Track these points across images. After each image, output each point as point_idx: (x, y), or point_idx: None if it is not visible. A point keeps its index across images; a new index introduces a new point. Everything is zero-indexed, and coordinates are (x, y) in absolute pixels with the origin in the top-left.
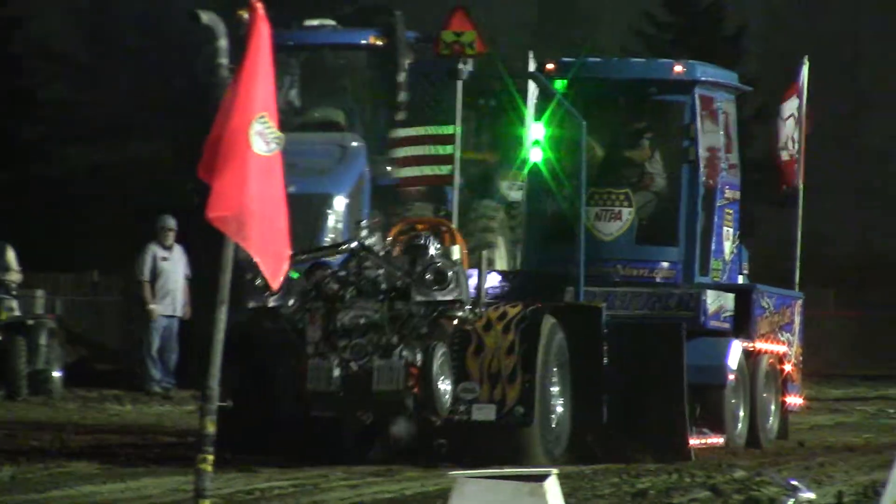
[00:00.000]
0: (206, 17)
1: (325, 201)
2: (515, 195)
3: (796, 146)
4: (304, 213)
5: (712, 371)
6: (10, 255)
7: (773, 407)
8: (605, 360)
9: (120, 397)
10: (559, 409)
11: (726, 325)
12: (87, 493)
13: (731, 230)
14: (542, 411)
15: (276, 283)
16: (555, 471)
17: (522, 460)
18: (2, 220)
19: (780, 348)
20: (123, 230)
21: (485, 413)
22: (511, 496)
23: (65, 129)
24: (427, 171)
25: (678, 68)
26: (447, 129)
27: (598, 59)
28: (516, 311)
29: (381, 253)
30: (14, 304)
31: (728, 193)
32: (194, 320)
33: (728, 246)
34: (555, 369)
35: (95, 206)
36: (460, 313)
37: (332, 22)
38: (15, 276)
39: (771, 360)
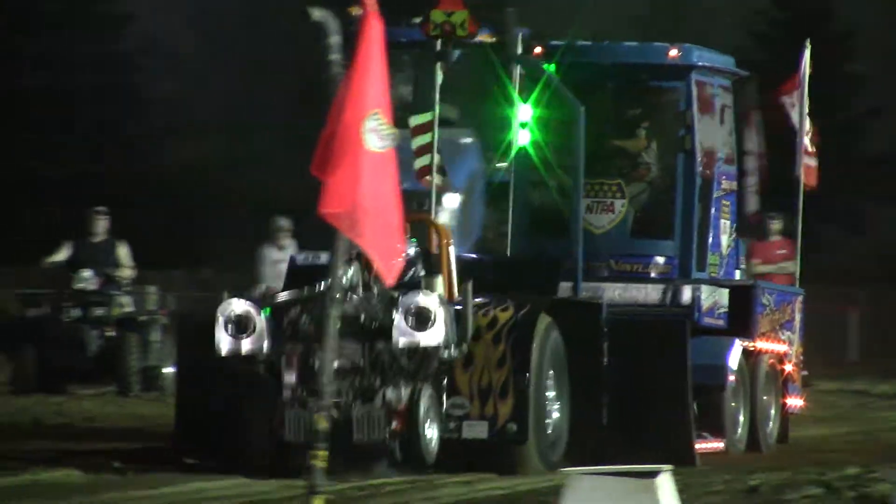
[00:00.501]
0: (317, 13)
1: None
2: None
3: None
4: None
5: (712, 371)
6: (123, 252)
7: (773, 410)
8: (605, 360)
9: None
10: (555, 415)
11: (720, 322)
12: (196, 490)
13: (727, 223)
14: (537, 423)
15: (390, 279)
16: (668, 467)
17: (517, 473)
18: (116, 216)
19: (781, 347)
20: (236, 226)
21: (476, 431)
22: (624, 492)
23: (174, 125)
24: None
25: (673, 52)
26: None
27: (588, 43)
28: (507, 315)
29: (359, 288)
30: (126, 300)
31: (725, 184)
32: None
33: (725, 240)
34: (551, 373)
35: (209, 203)
36: (445, 354)
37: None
38: (127, 273)
39: (771, 360)
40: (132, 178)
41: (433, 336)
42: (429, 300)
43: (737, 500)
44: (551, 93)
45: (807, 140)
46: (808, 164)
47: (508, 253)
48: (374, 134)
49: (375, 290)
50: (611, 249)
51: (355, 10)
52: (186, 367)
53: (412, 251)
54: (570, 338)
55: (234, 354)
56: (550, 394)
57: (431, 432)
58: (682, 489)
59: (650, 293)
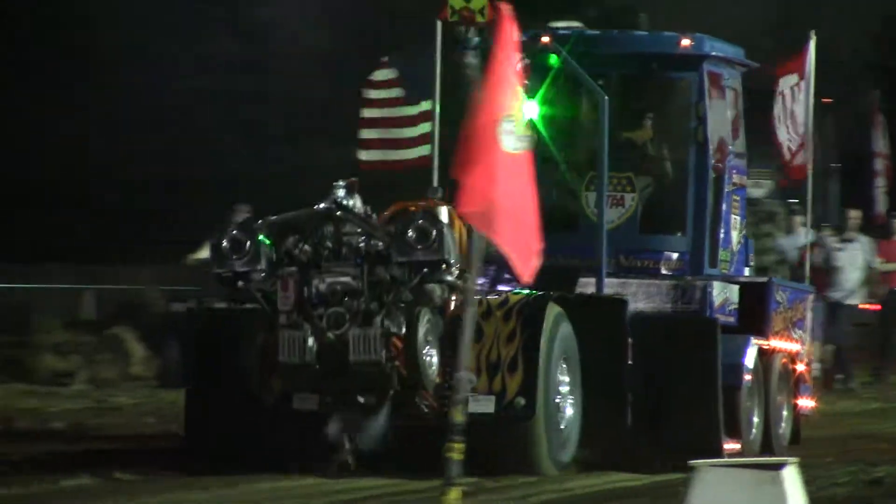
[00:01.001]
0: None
1: None
2: None
3: (801, 129)
4: None
5: (728, 371)
6: None
7: (785, 410)
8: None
9: None
10: (568, 410)
11: (731, 319)
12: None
13: (738, 218)
14: (547, 406)
15: (527, 278)
16: (794, 459)
17: (525, 461)
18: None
19: (794, 346)
20: None
21: (483, 405)
22: (751, 484)
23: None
24: (392, 155)
25: (685, 42)
26: (413, 110)
27: (596, 32)
28: (518, 297)
29: (362, 209)
30: None
31: (736, 178)
32: None
33: (735, 235)
34: (561, 362)
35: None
36: (448, 277)
37: (578, 24)
38: None
39: (784, 360)
40: (282, 177)
41: (433, 253)
42: (430, 218)
43: (862, 491)
44: (560, 86)
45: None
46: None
47: None
48: (510, 136)
49: (381, 215)
50: (620, 245)
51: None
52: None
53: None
54: (591, 335)
55: (228, 273)
56: (563, 385)
57: (431, 358)
58: (808, 481)
59: (660, 290)
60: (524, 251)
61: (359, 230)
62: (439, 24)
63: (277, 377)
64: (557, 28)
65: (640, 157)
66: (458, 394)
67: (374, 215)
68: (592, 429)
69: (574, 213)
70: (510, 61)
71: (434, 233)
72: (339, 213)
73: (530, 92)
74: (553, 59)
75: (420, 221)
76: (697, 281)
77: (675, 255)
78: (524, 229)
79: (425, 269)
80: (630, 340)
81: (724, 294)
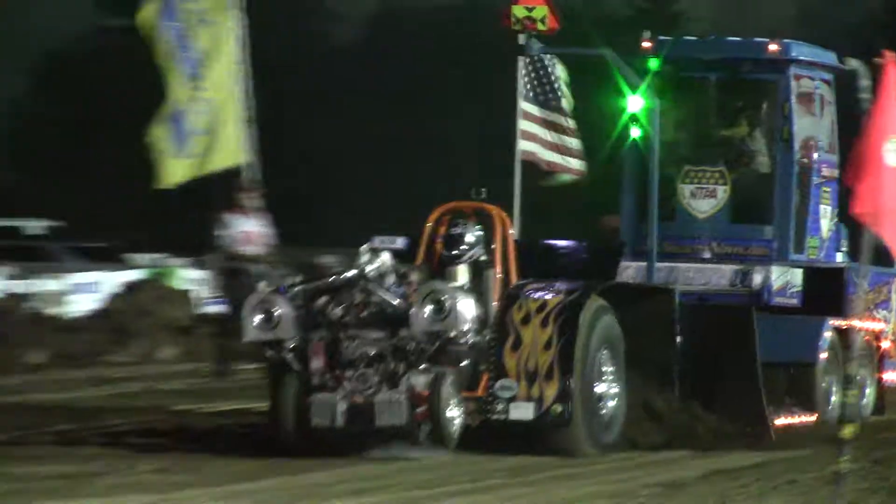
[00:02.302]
0: (853, 62)
1: None
2: None
3: None
4: None
5: (803, 349)
6: None
7: (868, 385)
8: (677, 341)
9: None
10: (612, 392)
11: (794, 301)
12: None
13: (828, 208)
14: (585, 405)
15: None
16: None
17: (565, 454)
18: None
19: (877, 325)
20: None
21: (522, 412)
22: None
23: None
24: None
25: (773, 47)
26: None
27: (692, 38)
28: (556, 300)
29: (386, 277)
30: None
31: (825, 171)
32: None
33: (825, 224)
34: (604, 352)
35: None
36: (467, 341)
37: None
38: None
39: (867, 338)
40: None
41: (449, 324)
42: (444, 289)
43: None
44: (660, 87)
45: None
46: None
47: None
48: (893, 154)
49: (408, 278)
50: (713, 233)
51: (878, 61)
52: None
53: (473, 237)
54: (639, 322)
55: (258, 340)
56: (605, 373)
57: (453, 417)
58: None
59: (723, 275)
60: None
61: (384, 298)
62: (522, 37)
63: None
64: (659, 37)
65: (732, 153)
66: None
67: (405, 272)
68: (641, 408)
69: (672, 204)
70: (893, 96)
71: (447, 305)
72: (360, 281)
73: (637, 92)
74: (653, 63)
75: (436, 293)
76: (756, 266)
77: (761, 243)
78: None
79: (445, 337)
80: (678, 326)
81: (784, 278)
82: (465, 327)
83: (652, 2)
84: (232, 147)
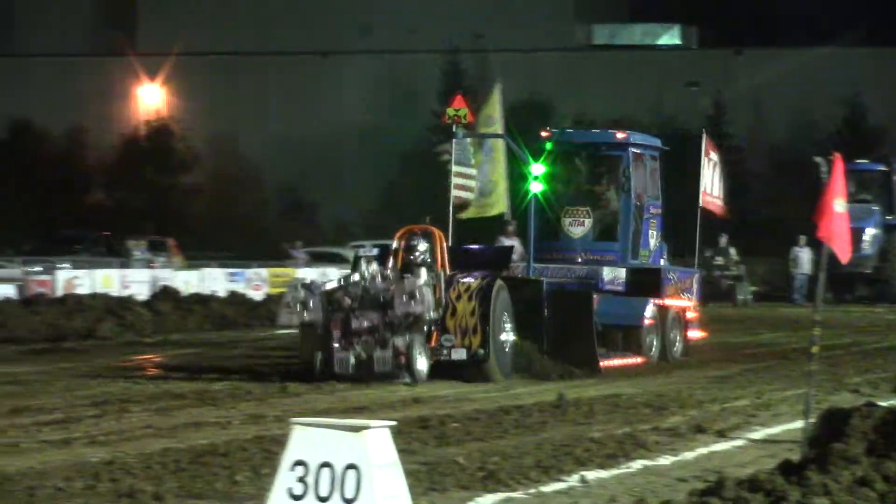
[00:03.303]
0: (818, 159)
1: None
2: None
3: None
4: None
5: (633, 317)
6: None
7: (678, 339)
8: (546, 313)
9: None
10: (510, 339)
11: (619, 288)
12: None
13: (655, 232)
14: (497, 349)
15: (845, 260)
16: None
17: (485, 381)
18: None
19: (683, 303)
20: None
21: (459, 355)
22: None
23: None
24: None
25: (619, 135)
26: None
27: (570, 130)
28: (476, 283)
29: (377, 278)
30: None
31: (652, 210)
32: None
33: (652, 242)
34: (505, 314)
35: None
36: (429, 316)
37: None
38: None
39: (677, 311)
40: None
41: (418, 306)
42: (415, 285)
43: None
44: (553, 162)
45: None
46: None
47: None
48: (839, 205)
49: (389, 278)
50: (582, 247)
51: (831, 157)
52: None
53: (424, 246)
54: (524, 300)
55: (301, 322)
56: (507, 328)
57: (422, 364)
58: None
59: (578, 272)
60: (844, 249)
61: (378, 291)
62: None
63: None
64: (550, 128)
65: (595, 199)
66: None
67: (386, 274)
68: (524, 353)
69: (558, 230)
70: (838, 187)
71: (417, 295)
72: (362, 281)
73: (538, 161)
74: (548, 145)
75: (410, 287)
76: (596, 266)
77: (611, 253)
78: (845, 241)
79: (415, 315)
80: (546, 302)
81: (612, 274)
82: (428, 308)
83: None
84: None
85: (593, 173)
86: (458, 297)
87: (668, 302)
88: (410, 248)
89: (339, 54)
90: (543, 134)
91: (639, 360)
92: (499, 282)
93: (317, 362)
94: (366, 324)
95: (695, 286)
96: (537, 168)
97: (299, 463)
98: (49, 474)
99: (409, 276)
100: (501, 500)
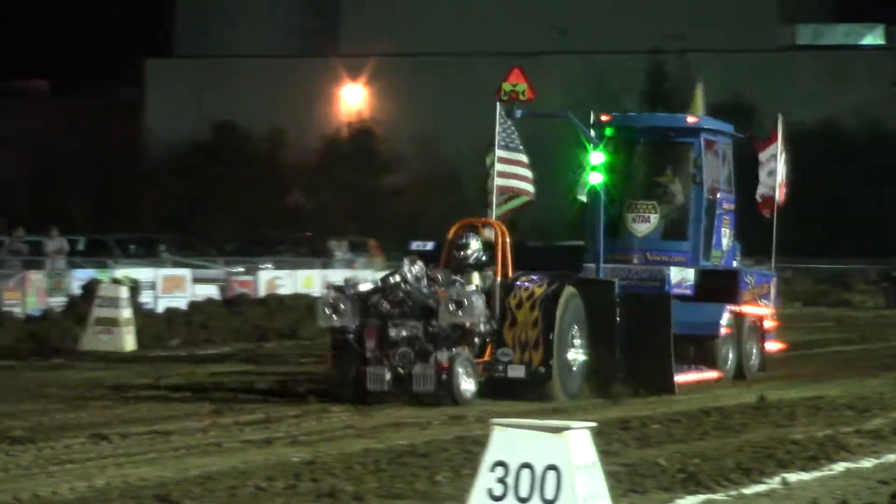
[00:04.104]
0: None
1: None
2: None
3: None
4: None
5: (708, 326)
6: None
7: (755, 351)
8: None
9: None
10: (580, 358)
11: (687, 292)
12: None
13: (727, 230)
14: (561, 367)
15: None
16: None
17: (543, 399)
18: None
19: (761, 311)
20: None
21: (517, 372)
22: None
23: None
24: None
25: (690, 119)
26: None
27: (633, 114)
28: (541, 290)
29: (423, 280)
30: None
31: (726, 205)
32: None
33: (725, 241)
34: (575, 327)
35: None
36: (479, 330)
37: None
38: None
39: (754, 319)
40: None
41: (467, 317)
42: (464, 292)
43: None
44: (613, 148)
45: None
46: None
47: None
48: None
49: (437, 280)
50: (647, 247)
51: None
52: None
53: (476, 244)
54: (592, 304)
55: (330, 327)
56: (576, 342)
57: (467, 385)
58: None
59: (641, 273)
60: None
61: (420, 297)
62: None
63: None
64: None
65: (661, 192)
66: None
67: (433, 276)
68: (596, 369)
69: (619, 227)
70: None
71: (465, 302)
72: (402, 283)
73: (597, 149)
74: (608, 130)
75: (456, 294)
76: (661, 268)
77: (680, 253)
78: None
79: (463, 326)
80: (618, 309)
81: (680, 275)
82: (478, 319)
83: None
84: None
85: (660, 163)
86: (519, 305)
87: (744, 309)
88: (462, 247)
89: (539, 55)
90: (604, 118)
91: (714, 374)
92: (569, 288)
93: (348, 377)
94: (405, 333)
95: (772, 292)
96: (596, 156)
97: (499, 464)
98: (251, 474)
99: (459, 279)
100: (702, 501)
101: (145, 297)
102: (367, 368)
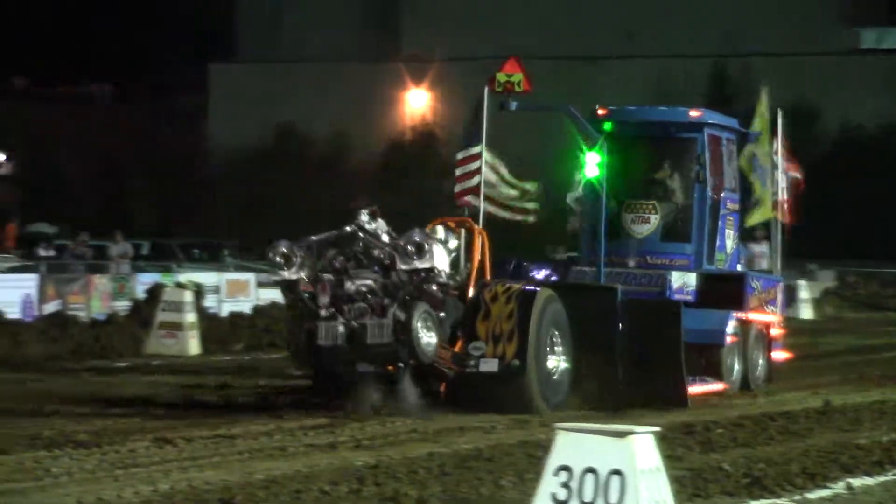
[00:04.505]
0: None
1: None
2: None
3: (782, 186)
4: None
5: (713, 335)
6: None
7: (761, 361)
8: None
9: None
10: (562, 365)
11: (689, 297)
12: None
13: (732, 231)
14: (538, 365)
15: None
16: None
17: (521, 405)
18: None
19: (767, 318)
20: None
21: (489, 366)
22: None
23: None
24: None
25: (693, 113)
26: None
27: (633, 108)
28: (518, 286)
29: (382, 235)
30: None
31: (730, 205)
32: None
33: (729, 243)
34: (554, 331)
35: None
36: (441, 279)
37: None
38: None
39: (760, 327)
40: None
41: (426, 262)
42: (423, 236)
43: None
44: (611, 144)
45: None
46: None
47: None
48: None
49: (394, 236)
50: (646, 249)
51: None
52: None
53: (455, 242)
54: (587, 311)
55: (283, 280)
56: (558, 350)
57: (427, 338)
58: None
59: (640, 278)
60: None
61: (375, 247)
62: (486, 90)
63: (316, 355)
64: (608, 106)
65: (661, 191)
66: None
67: (393, 234)
68: (590, 379)
69: (617, 228)
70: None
71: (426, 246)
72: (360, 233)
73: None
74: (606, 125)
75: (416, 238)
76: (661, 271)
77: (682, 256)
78: None
79: (422, 275)
80: (620, 316)
81: (681, 280)
82: (437, 264)
83: None
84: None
85: (661, 160)
86: (494, 299)
87: (750, 316)
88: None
89: (606, 59)
90: (600, 112)
91: (720, 385)
92: (547, 291)
93: (299, 335)
94: (362, 287)
95: (779, 297)
96: (592, 156)
97: (563, 468)
98: (315, 478)
99: (418, 229)
100: None
101: (209, 302)
102: (318, 323)
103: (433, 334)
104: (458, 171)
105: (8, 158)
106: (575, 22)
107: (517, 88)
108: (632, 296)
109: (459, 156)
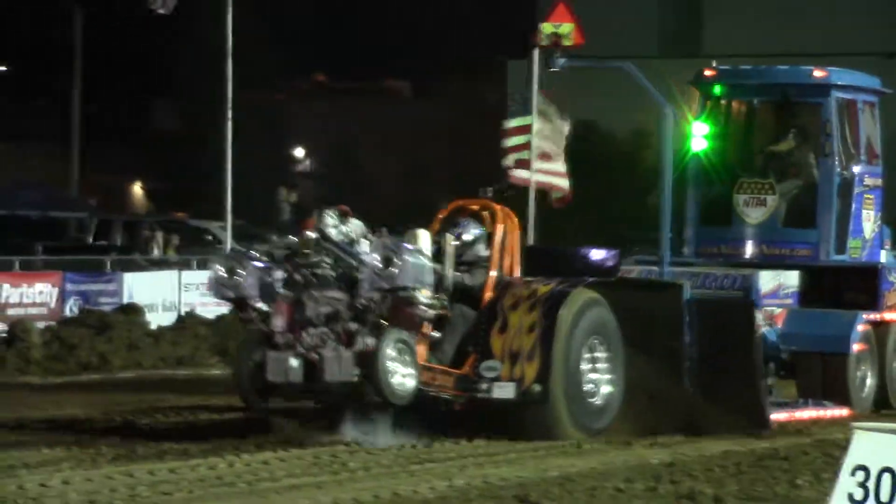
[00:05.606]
0: None
1: None
2: None
3: None
4: None
5: (835, 342)
6: None
7: None
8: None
9: None
10: (606, 379)
11: (789, 301)
12: None
13: (871, 213)
14: (568, 388)
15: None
16: None
17: (547, 434)
18: None
19: None
20: None
21: (504, 391)
22: None
23: None
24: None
25: (818, 73)
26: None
27: (747, 67)
28: (545, 289)
29: (345, 240)
30: None
31: (868, 181)
32: None
33: (868, 227)
34: (595, 341)
35: None
36: (423, 300)
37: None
38: None
39: None
40: None
41: (398, 278)
42: (392, 246)
43: None
44: (713, 109)
45: None
46: None
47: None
48: None
49: (364, 246)
50: (763, 237)
51: None
52: None
53: (476, 232)
54: (646, 314)
55: (225, 298)
56: (600, 363)
57: (401, 374)
58: None
59: (715, 279)
60: None
61: (339, 259)
62: (536, 51)
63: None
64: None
65: (780, 166)
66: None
67: (371, 238)
68: (644, 398)
69: (727, 212)
70: None
71: (395, 261)
72: (322, 241)
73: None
74: (716, 88)
75: (383, 249)
76: (745, 271)
77: (806, 245)
78: None
79: (398, 293)
80: (686, 320)
81: (776, 281)
82: (410, 282)
83: None
84: None
85: (780, 129)
86: (515, 305)
87: (887, 316)
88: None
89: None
90: (707, 73)
91: (844, 411)
92: (585, 292)
93: (245, 368)
94: (324, 309)
95: None
96: (699, 126)
97: (860, 467)
98: (610, 475)
99: (391, 236)
100: None
101: None
102: (268, 354)
103: (410, 369)
104: (509, 143)
105: (307, 155)
106: (872, 16)
107: (566, 42)
108: (703, 297)
109: (509, 125)
